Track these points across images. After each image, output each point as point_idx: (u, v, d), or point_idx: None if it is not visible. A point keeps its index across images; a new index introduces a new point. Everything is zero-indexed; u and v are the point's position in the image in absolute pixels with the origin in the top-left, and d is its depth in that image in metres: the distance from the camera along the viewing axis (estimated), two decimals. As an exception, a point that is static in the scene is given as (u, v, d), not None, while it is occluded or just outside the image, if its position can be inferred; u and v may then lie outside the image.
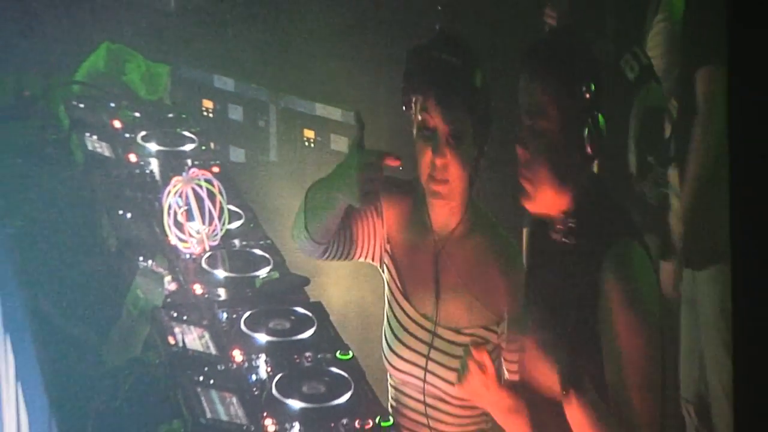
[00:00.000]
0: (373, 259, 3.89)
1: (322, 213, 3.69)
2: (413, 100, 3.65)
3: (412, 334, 3.80)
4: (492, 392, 3.64)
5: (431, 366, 3.75)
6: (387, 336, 3.90)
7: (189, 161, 3.83)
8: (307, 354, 3.60)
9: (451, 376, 3.70)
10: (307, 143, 3.84)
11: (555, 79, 3.73)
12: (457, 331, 3.73)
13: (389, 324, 3.90)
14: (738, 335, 4.05)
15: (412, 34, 3.84)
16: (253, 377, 3.51)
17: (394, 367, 3.83)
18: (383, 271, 3.90)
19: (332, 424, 3.43)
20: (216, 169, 3.77)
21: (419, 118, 3.63)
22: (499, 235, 3.85)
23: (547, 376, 3.75)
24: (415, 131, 3.66)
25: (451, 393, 3.76)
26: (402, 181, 3.86)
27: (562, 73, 3.75)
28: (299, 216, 3.77)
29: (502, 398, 3.69)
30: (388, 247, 3.87)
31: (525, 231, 3.91)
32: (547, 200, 3.69)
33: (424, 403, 3.79)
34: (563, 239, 3.74)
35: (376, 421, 3.50)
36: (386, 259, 3.87)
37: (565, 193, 3.71)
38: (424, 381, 3.78)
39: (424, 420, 3.85)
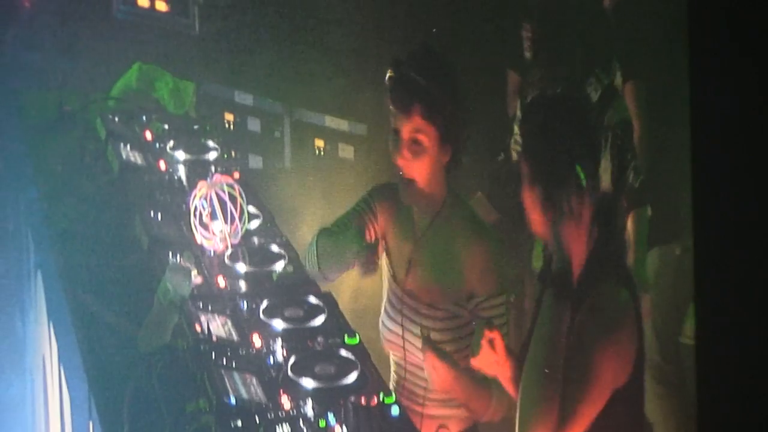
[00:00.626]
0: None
1: (336, 264, 3.76)
2: (390, 109, 3.69)
3: (397, 309, 3.85)
4: (501, 364, 3.64)
5: (408, 335, 3.81)
6: (382, 312, 3.95)
7: (213, 168, 3.83)
8: (319, 339, 3.62)
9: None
10: (317, 152, 3.84)
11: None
12: (433, 306, 3.78)
13: (385, 303, 3.95)
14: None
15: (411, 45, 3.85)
16: (271, 360, 3.53)
17: (385, 338, 3.87)
18: (380, 259, 3.92)
19: (341, 401, 3.44)
20: (237, 175, 3.76)
21: (391, 124, 3.67)
22: (474, 223, 3.87)
23: None
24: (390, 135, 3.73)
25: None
26: (392, 183, 3.87)
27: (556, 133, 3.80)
28: (311, 253, 3.82)
29: (508, 369, 3.67)
30: (383, 242, 3.90)
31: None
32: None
33: (405, 369, 3.83)
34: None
35: (380, 397, 3.51)
36: (382, 249, 3.91)
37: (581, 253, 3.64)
38: (404, 348, 3.82)
39: (410, 386, 3.88)
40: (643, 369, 3.82)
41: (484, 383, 3.83)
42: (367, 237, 3.82)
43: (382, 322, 3.94)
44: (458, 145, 3.81)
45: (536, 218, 3.63)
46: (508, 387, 3.74)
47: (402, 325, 3.86)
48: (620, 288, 3.69)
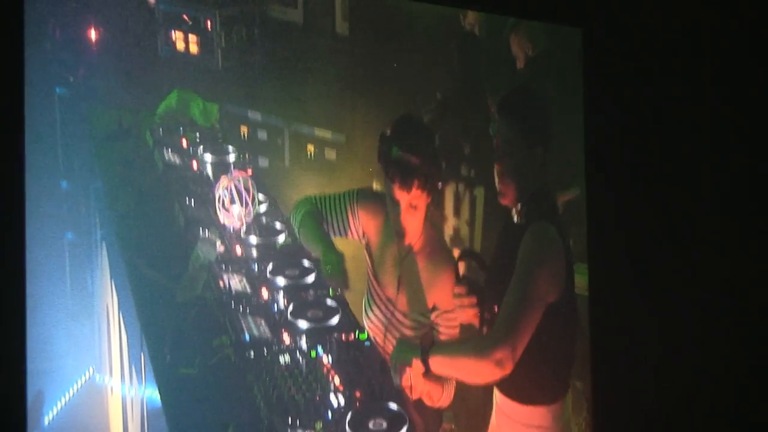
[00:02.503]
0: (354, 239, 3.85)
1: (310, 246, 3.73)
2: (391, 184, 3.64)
3: (378, 307, 3.82)
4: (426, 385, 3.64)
5: (388, 335, 3.81)
6: (365, 300, 3.87)
7: (232, 166, 3.80)
8: (310, 291, 3.64)
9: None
10: (309, 155, 3.82)
11: (519, 122, 3.82)
12: (404, 315, 3.78)
13: (367, 292, 3.87)
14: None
15: (382, 80, 3.90)
16: (275, 307, 3.57)
17: (367, 323, 3.82)
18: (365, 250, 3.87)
19: (327, 337, 3.52)
20: (250, 172, 3.72)
21: (391, 193, 3.63)
22: (443, 250, 3.85)
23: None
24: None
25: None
26: (377, 193, 3.81)
27: (524, 119, 3.84)
28: (293, 220, 3.75)
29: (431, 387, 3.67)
30: (364, 240, 3.83)
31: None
32: (512, 196, 3.74)
33: (382, 354, 3.74)
34: (521, 220, 3.81)
35: (356, 334, 3.58)
36: (364, 246, 3.84)
37: (522, 192, 3.74)
38: (384, 342, 3.80)
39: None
40: (572, 288, 3.81)
41: (438, 381, 3.75)
42: (337, 249, 3.71)
43: (365, 310, 3.85)
44: (434, 189, 3.73)
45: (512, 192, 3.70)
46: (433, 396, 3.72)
47: (384, 325, 3.81)
48: (549, 225, 3.72)
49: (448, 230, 4.11)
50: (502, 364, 3.58)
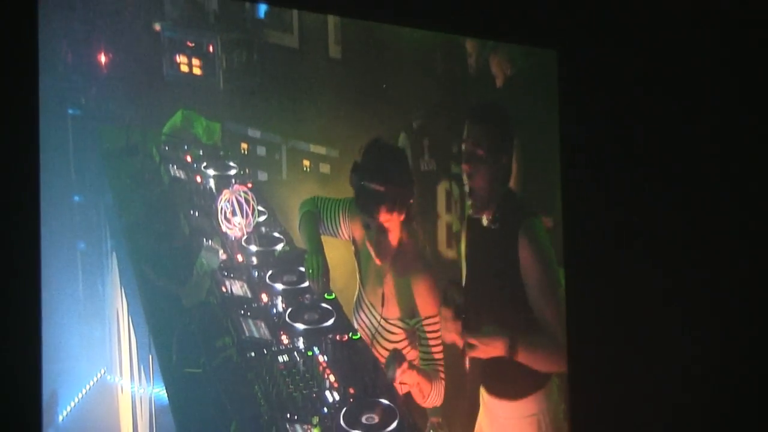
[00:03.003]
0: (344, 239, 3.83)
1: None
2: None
3: (363, 311, 3.80)
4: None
5: (375, 338, 3.79)
6: (354, 303, 3.85)
7: (233, 180, 3.79)
8: (307, 295, 3.64)
9: (382, 341, 3.76)
10: (305, 169, 3.81)
11: (488, 127, 3.82)
12: (386, 320, 3.77)
13: (356, 295, 3.86)
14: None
15: (371, 99, 3.89)
16: (274, 310, 3.56)
17: (357, 325, 3.80)
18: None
19: (322, 338, 3.51)
20: (250, 185, 3.72)
21: (362, 219, 3.66)
22: (420, 260, 3.81)
23: (497, 350, 3.72)
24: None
25: (381, 350, 3.77)
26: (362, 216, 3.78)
27: (493, 125, 3.85)
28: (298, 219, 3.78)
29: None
30: (353, 247, 3.82)
31: (464, 228, 3.93)
32: (480, 200, 3.78)
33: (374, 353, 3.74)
34: (491, 226, 3.85)
35: (349, 335, 3.57)
36: (353, 252, 3.83)
37: (493, 196, 3.79)
38: (371, 344, 3.77)
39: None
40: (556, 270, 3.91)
41: (431, 375, 3.77)
42: (322, 254, 3.71)
43: (354, 312, 3.83)
44: (410, 205, 3.73)
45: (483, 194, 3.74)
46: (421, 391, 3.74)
47: (369, 329, 3.80)
48: (536, 219, 3.82)
49: (441, 227, 4.07)
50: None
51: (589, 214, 4.36)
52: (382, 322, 3.77)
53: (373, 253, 3.71)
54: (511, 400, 3.85)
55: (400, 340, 3.80)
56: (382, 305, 3.77)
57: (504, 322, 3.78)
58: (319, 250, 3.68)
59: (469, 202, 3.87)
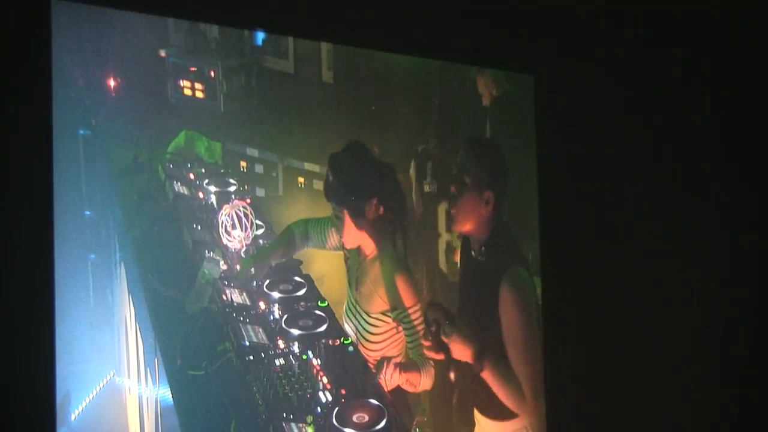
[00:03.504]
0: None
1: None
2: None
3: (351, 311, 3.80)
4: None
5: (359, 328, 3.78)
6: (346, 304, 3.84)
7: (233, 196, 3.77)
8: (302, 303, 3.64)
9: (366, 335, 3.74)
10: (300, 185, 3.81)
11: (478, 159, 3.82)
12: (369, 314, 3.76)
13: (347, 299, 3.84)
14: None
15: (361, 121, 3.90)
16: (271, 317, 3.56)
17: (345, 323, 3.80)
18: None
19: (316, 343, 3.51)
20: (248, 200, 3.71)
21: (334, 211, 3.65)
22: (397, 259, 3.78)
23: (465, 355, 3.73)
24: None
25: (365, 346, 3.77)
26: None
27: (484, 158, 3.85)
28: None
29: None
30: (342, 253, 3.84)
31: (459, 250, 3.92)
32: (465, 228, 3.77)
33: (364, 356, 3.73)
34: (478, 257, 3.86)
35: (341, 340, 3.59)
36: (344, 259, 3.84)
37: (475, 225, 3.77)
38: (356, 340, 3.75)
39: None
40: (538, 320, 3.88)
41: (420, 363, 3.78)
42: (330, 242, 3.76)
43: (345, 315, 3.82)
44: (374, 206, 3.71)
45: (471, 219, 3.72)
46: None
47: (354, 325, 3.79)
48: (521, 269, 3.76)
49: (442, 244, 4.08)
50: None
51: (567, 231, 4.32)
52: (365, 316, 3.76)
53: (346, 241, 3.70)
54: (501, 420, 3.85)
55: (383, 332, 3.79)
56: (367, 300, 3.77)
57: (478, 338, 3.77)
58: (264, 255, 3.70)
59: (455, 230, 3.89)
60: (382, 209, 3.72)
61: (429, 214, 4.03)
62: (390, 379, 3.66)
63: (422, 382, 3.78)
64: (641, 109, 4.52)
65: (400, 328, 3.79)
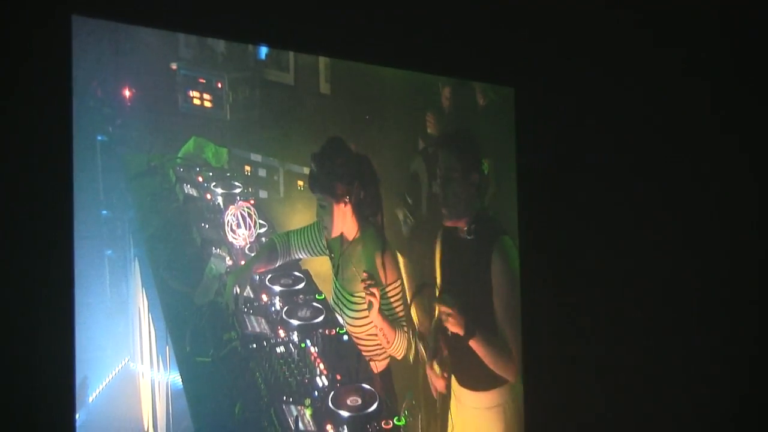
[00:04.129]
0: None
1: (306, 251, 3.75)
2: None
3: (335, 296, 3.77)
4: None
5: (343, 309, 3.78)
6: (332, 290, 3.83)
7: (238, 198, 3.77)
8: (301, 296, 3.66)
9: (350, 313, 3.74)
10: (299, 188, 3.79)
11: (458, 152, 3.87)
12: (352, 294, 3.77)
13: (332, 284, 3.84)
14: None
15: (357, 129, 3.90)
16: (273, 309, 3.58)
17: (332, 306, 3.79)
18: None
19: (314, 332, 3.54)
20: (252, 202, 3.73)
21: (319, 201, 3.66)
22: (377, 239, 3.81)
23: (456, 327, 3.83)
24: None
25: (351, 325, 3.75)
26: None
27: (461, 152, 3.88)
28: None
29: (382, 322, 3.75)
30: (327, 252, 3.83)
31: (440, 236, 3.97)
32: (455, 216, 3.82)
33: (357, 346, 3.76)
34: (467, 236, 3.89)
35: (336, 330, 3.62)
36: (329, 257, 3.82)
37: (465, 209, 3.84)
38: (344, 321, 3.77)
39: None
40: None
41: (395, 324, 3.80)
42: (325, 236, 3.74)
43: (332, 301, 3.81)
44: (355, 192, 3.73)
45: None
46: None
47: (340, 308, 3.79)
48: (506, 237, 3.85)
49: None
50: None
51: (544, 239, 4.31)
52: (349, 297, 3.76)
53: (328, 226, 3.70)
54: (477, 391, 3.88)
55: (364, 308, 3.79)
56: (350, 283, 3.78)
57: (467, 310, 3.81)
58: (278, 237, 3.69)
59: (444, 211, 3.89)
60: (362, 194, 3.75)
61: (436, 213, 4.03)
62: (373, 315, 3.67)
63: (396, 343, 3.79)
64: (617, 122, 4.52)
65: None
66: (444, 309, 3.82)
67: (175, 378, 3.43)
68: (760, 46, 4.48)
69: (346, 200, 3.71)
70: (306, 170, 3.81)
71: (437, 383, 3.85)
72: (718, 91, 4.57)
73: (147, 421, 3.44)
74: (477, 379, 3.90)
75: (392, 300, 3.81)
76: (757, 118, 4.58)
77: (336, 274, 3.80)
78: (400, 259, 3.90)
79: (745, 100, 4.58)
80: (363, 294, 3.77)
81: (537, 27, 4.24)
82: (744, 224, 4.63)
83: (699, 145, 4.58)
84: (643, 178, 4.51)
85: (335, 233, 3.75)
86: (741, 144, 4.58)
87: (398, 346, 3.84)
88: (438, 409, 3.95)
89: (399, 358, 3.85)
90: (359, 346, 3.75)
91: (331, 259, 3.81)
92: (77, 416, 3.21)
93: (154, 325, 3.48)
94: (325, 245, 3.80)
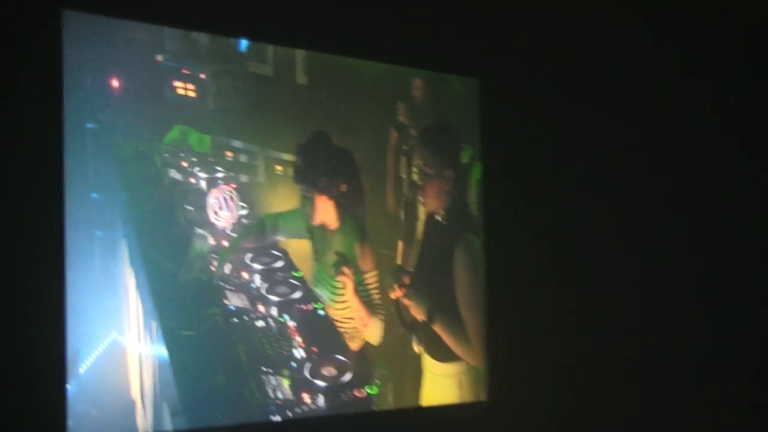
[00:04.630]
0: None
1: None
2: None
3: (316, 278, 3.77)
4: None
5: (323, 291, 3.77)
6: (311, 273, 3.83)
7: (220, 182, 3.73)
8: (279, 273, 3.66)
9: (330, 295, 3.74)
10: (278, 172, 3.79)
11: (437, 147, 3.88)
12: (332, 278, 3.77)
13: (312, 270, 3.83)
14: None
15: (332, 117, 3.89)
16: (253, 285, 3.58)
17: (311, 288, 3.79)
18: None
19: (292, 307, 3.56)
20: (234, 186, 3.72)
21: (302, 193, 3.67)
22: (357, 229, 3.83)
23: (420, 314, 3.88)
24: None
25: (330, 307, 3.75)
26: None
27: (441, 145, 3.90)
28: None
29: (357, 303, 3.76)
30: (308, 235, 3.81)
31: (420, 223, 3.99)
32: (432, 205, 3.85)
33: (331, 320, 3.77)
34: (443, 222, 3.90)
35: (313, 305, 3.63)
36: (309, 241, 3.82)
37: (441, 200, 3.87)
38: (326, 302, 3.75)
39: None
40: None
41: (371, 310, 3.82)
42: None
43: (312, 281, 3.80)
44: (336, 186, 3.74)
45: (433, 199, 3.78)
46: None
47: (322, 291, 3.79)
48: (473, 237, 3.87)
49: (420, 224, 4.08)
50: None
51: (508, 230, 4.30)
52: (331, 281, 3.78)
53: (311, 214, 3.71)
54: (439, 361, 3.93)
55: (342, 291, 3.80)
56: (320, 257, 3.79)
57: (430, 296, 3.86)
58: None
59: (421, 199, 3.93)
60: (345, 187, 3.77)
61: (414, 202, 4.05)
62: (348, 295, 3.70)
63: (370, 327, 3.81)
64: (580, 112, 4.51)
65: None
66: (407, 301, 3.84)
67: (162, 351, 3.44)
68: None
69: (329, 192, 3.73)
70: (284, 156, 3.82)
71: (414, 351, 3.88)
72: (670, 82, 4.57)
73: (135, 390, 3.43)
74: (439, 350, 3.94)
75: (369, 287, 3.83)
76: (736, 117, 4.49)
77: (316, 258, 3.81)
78: (381, 250, 3.93)
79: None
80: (339, 279, 3.79)
81: (505, 18, 4.22)
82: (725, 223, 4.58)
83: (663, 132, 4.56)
84: (614, 171, 4.52)
85: (317, 222, 3.77)
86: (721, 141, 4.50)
87: (374, 331, 3.85)
88: (408, 379, 3.99)
89: (374, 343, 3.87)
90: (337, 327, 3.77)
91: (312, 243, 3.82)
92: (69, 386, 3.21)
93: (141, 301, 3.47)
94: (307, 230, 3.81)
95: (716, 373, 4.37)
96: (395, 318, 3.90)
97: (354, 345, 3.80)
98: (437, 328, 3.81)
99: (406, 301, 3.83)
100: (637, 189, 4.52)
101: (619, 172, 4.50)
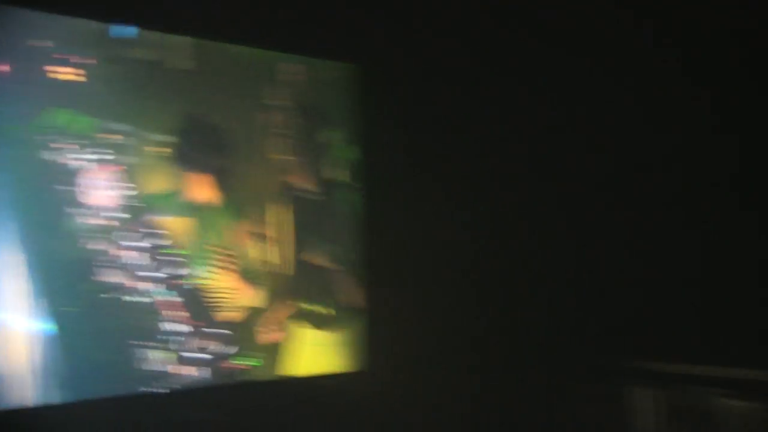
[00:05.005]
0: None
1: None
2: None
3: (198, 255, 3.75)
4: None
5: (203, 266, 3.74)
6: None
7: (100, 163, 3.66)
8: (160, 251, 3.69)
9: (209, 269, 3.73)
10: (156, 153, 3.76)
11: (308, 129, 3.93)
12: (211, 253, 3.74)
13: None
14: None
15: (211, 101, 3.90)
16: (135, 263, 3.58)
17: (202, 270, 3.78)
18: None
19: (175, 283, 3.62)
20: (114, 167, 3.67)
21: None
22: (233, 209, 3.84)
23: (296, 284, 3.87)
24: None
25: (210, 280, 3.74)
26: None
27: (310, 127, 3.93)
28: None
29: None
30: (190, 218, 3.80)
31: (292, 197, 4.01)
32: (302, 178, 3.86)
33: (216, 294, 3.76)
34: (318, 198, 3.95)
35: (197, 281, 3.67)
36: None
37: (312, 179, 3.89)
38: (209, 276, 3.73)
39: None
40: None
41: (252, 282, 3.86)
42: None
43: (196, 257, 3.79)
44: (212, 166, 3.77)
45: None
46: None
47: (198, 263, 3.79)
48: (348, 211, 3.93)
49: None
50: None
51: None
52: (213, 256, 3.83)
53: (187, 192, 3.72)
54: (319, 330, 4.05)
55: (221, 266, 3.86)
56: (210, 242, 3.83)
57: (307, 270, 3.97)
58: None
59: (293, 178, 4.00)
60: (221, 165, 3.84)
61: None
62: (228, 274, 3.73)
63: (252, 299, 3.89)
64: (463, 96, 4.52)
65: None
66: (285, 274, 3.90)
67: (49, 327, 3.44)
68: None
69: (207, 171, 3.77)
70: (163, 137, 3.82)
71: (285, 326, 3.99)
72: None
73: (26, 368, 3.43)
74: (319, 320, 4.08)
75: (249, 262, 3.89)
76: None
77: (196, 235, 3.83)
78: (267, 219, 3.97)
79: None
80: (221, 255, 3.84)
81: (385, 4, 4.23)
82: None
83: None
84: (492, 148, 4.49)
85: (195, 200, 3.78)
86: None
87: (255, 302, 3.92)
88: (290, 349, 4.07)
89: (255, 306, 3.94)
90: (219, 299, 3.82)
91: (191, 220, 3.84)
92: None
93: (28, 279, 3.44)
94: (187, 208, 3.83)
95: (591, 344, 4.35)
96: (277, 291, 3.97)
97: (237, 317, 3.85)
98: (316, 299, 3.95)
99: (284, 275, 3.90)
100: (524, 178, 4.47)
101: (495, 149, 4.49)
